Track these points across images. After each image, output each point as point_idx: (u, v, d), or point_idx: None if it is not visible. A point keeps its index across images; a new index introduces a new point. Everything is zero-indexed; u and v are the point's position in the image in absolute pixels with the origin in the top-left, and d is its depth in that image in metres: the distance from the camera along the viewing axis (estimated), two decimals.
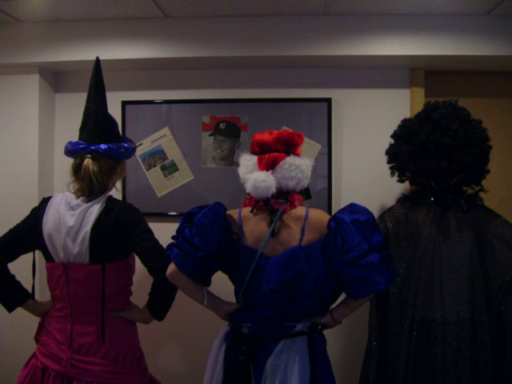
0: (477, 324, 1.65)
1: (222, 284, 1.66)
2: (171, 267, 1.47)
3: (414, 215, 1.77)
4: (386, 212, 1.86)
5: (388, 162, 1.92)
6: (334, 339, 2.13)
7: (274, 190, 1.47)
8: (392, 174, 1.92)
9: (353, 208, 1.47)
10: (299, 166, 1.50)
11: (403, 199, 1.87)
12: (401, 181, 1.92)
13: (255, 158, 1.54)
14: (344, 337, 2.27)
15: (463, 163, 1.71)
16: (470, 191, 1.83)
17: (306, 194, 1.59)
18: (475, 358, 1.63)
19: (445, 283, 1.68)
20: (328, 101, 2.32)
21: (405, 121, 1.89)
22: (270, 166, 1.49)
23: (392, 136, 1.91)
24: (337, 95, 2.34)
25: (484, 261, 1.69)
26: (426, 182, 1.82)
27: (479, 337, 1.64)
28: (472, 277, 1.68)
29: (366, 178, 2.33)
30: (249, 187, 1.49)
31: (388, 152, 1.91)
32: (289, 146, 1.53)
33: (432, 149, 1.72)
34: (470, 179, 1.78)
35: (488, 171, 1.81)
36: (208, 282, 1.55)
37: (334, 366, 1.55)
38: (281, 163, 1.49)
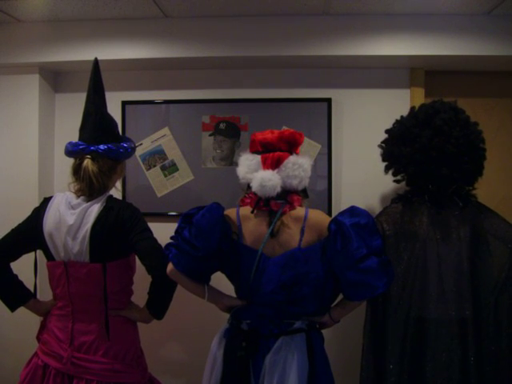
0: (473, 321, 1.64)
1: (222, 282, 1.65)
2: (170, 266, 1.48)
3: (410, 215, 1.76)
4: (382, 213, 1.84)
5: (383, 160, 1.91)
6: (332, 337, 2.13)
7: (279, 189, 1.48)
8: (386, 172, 1.91)
9: (353, 211, 1.47)
10: (302, 165, 1.52)
11: (398, 199, 1.86)
12: (397, 181, 1.92)
13: (258, 157, 1.54)
14: (341, 335, 2.26)
15: (463, 171, 1.70)
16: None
17: (304, 192, 1.59)
18: (472, 355, 1.63)
19: (443, 281, 1.67)
20: (328, 101, 2.31)
21: (402, 119, 1.86)
22: (274, 164, 1.50)
23: (387, 132, 1.89)
24: (337, 95, 2.34)
25: (480, 257, 1.68)
26: (423, 184, 1.80)
27: (475, 334, 1.64)
28: (469, 274, 1.67)
29: (366, 178, 2.33)
30: (255, 186, 1.48)
31: (384, 150, 1.89)
32: (291, 145, 1.54)
33: (433, 155, 1.70)
34: (465, 184, 1.78)
35: (481, 174, 1.79)
36: (207, 281, 1.56)
37: (331, 364, 1.56)
38: (285, 162, 1.50)
